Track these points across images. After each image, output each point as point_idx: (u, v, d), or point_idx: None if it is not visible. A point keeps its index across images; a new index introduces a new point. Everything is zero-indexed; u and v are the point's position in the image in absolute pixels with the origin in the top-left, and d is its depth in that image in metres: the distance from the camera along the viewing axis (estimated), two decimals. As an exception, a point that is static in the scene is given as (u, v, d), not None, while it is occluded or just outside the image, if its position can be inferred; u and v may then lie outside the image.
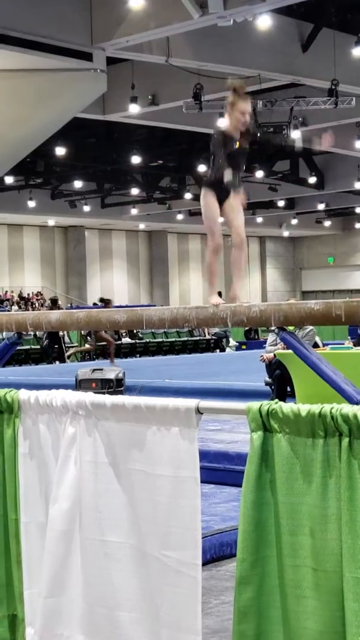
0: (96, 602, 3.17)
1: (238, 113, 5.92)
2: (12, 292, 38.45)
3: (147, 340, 29.15)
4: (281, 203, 40.16)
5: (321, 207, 40.99)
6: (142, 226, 44.25)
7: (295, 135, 23.44)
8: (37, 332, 24.13)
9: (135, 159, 29.10)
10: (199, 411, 2.96)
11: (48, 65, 17.20)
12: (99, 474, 3.17)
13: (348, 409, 2.66)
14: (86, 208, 38.05)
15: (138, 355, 27.96)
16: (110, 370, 13.20)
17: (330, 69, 19.34)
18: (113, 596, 3.13)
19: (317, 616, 2.71)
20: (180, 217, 41.49)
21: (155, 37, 16.98)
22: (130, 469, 3.10)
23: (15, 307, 34.61)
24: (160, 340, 29.50)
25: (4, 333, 14.67)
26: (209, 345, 30.40)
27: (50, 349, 24.84)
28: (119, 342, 26.47)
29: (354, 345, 12.77)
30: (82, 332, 22.54)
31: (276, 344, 10.92)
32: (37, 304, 36.79)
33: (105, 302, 17.30)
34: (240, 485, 2.88)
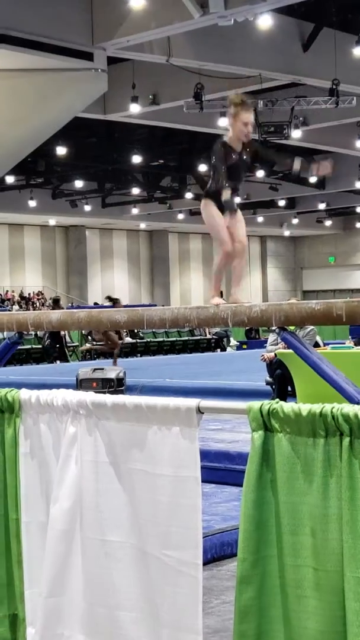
0: (97, 601, 3.17)
1: (241, 124, 5.96)
2: (13, 291, 38.46)
3: (148, 339, 29.16)
4: (282, 202, 40.16)
5: (322, 206, 41.00)
6: (143, 226, 44.25)
7: (296, 135, 23.44)
8: (38, 332, 24.14)
9: (136, 159, 29.10)
10: (199, 411, 2.96)
11: (49, 65, 17.20)
12: (99, 473, 3.17)
13: (349, 408, 2.66)
14: (87, 208, 38.05)
15: (139, 354, 27.96)
16: (111, 369, 13.21)
17: (331, 68, 19.34)
18: (114, 596, 3.13)
19: (318, 616, 2.71)
20: (181, 216, 41.50)
21: (156, 36, 16.98)
22: (131, 469, 3.10)
23: (16, 307, 34.62)
24: (161, 339, 29.51)
25: (5, 333, 14.67)
26: (210, 345, 30.40)
27: (52, 348, 24.85)
28: (120, 341, 26.45)
29: (355, 344, 12.77)
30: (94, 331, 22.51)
31: (277, 344, 10.92)
32: (38, 304, 36.80)
33: (114, 301, 17.20)
34: (241, 485, 2.88)
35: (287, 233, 49.25)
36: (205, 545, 4.06)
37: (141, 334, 28.93)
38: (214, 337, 30.44)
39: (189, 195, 35.47)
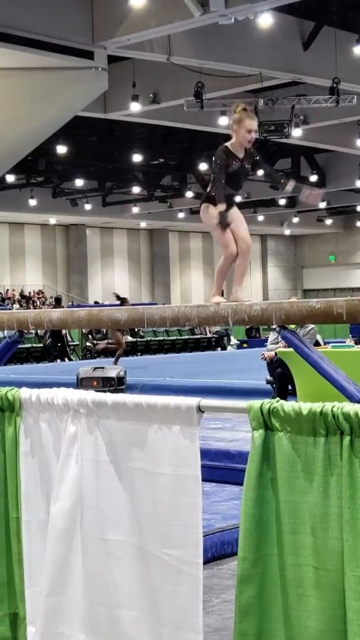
0: (97, 600, 3.17)
1: (244, 131, 6.03)
2: (13, 290, 38.47)
3: (149, 338, 29.17)
4: (282, 201, 40.16)
5: (322, 205, 40.98)
6: (143, 224, 44.25)
7: (296, 133, 23.44)
8: (39, 331, 24.16)
9: (137, 157, 29.10)
10: (200, 409, 2.96)
11: (49, 63, 17.20)
12: (100, 472, 3.17)
13: (349, 407, 2.66)
14: (87, 206, 38.05)
15: (139, 353, 27.96)
16: (112, 368, 13.22)
17: (332, 67, 19.33)
18: (114, 594, 3.13)
19: (318, 615, 2.70)
20: (181, 215, 41.49)
21: (156, 35, 16.98)
22: (131, 468, 3.10)
23: (16, 306, 34.62)
24: (161, 338, 29.52)
25: (6, 331, 14.67)
26: (210, 344, 30.41)
27: (53, 347, 24.87)
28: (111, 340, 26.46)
29: (356, 343, 12.77)
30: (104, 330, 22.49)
31: (277, 343, 10.92)
32: (38, 303, 36.81)
33: (122, 300, 17.18)
34: (241, 484, 2.88)
35: (287, 232, 49.24)
36: (205, 544, 4.06)
37: (142, 333, 28.94)
38: (215, 335, 30.45)
39: (189, 194, 35.47)
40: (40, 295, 38.53)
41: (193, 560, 2.93)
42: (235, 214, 6.25)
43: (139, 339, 28.68)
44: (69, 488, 3.22)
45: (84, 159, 30.83)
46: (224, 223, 6.04)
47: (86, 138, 28.31)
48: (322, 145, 28.98)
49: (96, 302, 37.48)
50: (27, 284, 40.60)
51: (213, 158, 6.18)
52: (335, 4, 18.62)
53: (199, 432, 2.96)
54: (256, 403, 2.84)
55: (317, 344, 10.86)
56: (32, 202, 35.83)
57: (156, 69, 20.21)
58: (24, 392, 3.41)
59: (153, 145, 29.54)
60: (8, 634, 3.47)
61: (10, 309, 29.92)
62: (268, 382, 11.63)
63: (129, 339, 28.08)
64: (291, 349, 6.21)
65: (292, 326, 6.91)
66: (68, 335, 25.88)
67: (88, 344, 26.57)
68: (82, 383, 12.42)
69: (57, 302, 26.15)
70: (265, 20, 17.34)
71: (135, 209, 39.70)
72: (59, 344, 24.96)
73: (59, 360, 24.68)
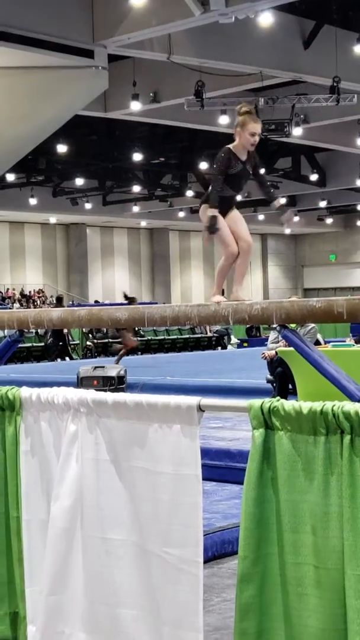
0: (97, 599, 3.17)
1: (248, 134, 6.04)
2: (13, 289, 38.47)
3: (149, 337, 29.17)
4: (283, 200, 40.10)
5: (323, 204, 40.98)
6: (143, 224, 44.25)
7: (297, 132, 23.43)
8: (39, 330, 24.17)
9: (137, 157, 29.09)
10: (200, 409, 2.96)
11: (49, 62, 17.19)
12: (100, 471, 3.17)
13: (350, 406, 2.66)
14: (88, 206, 38.05)
15: (140, 352, 27.97)
16: (112, 367, 13.22)
17: (332, 66, 19.32)
18: (114, 593, 3.13)
19: (319, 614, 2.71)
20: (181, 214, 41.49)
21: (156, 34, 16.97)
22: (131, 467, 3.10)
23: (17, 305, 34.64)
24: (161, 337, 29.52)
25: (6, 330, 14.67)
26: (211, 343, 30.41)
27: (55, 346, 24.87)
28: (120, 339, 26.45)
29: (356, 342, 12.78)
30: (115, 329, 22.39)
31: (278, 342, 10.92)
32: (38, 302, 36.81)
33: (130, 300, 17.15)
34: (241, 483, 2.88)
35: (287, 231, 49.23)
36: (206, 543, 4.06)
37: (142, 332, 28.93)
38: (215, 335, 30.44)
39: (189, 193, 35.46)
40: (40, 295, 38.54)
41: (193, 559, 2.93)
42: (234, 214, 6.27)
43: (139, 338, 28.67)
44: (70, 487, 3.22)
45: (84, 158, 30.83)
46: (212, 229, 6.07)
47: (86, 137, 28.30)
48: (323, 144, 28.97)
49: (96, 301, 37.48)
50: (27, 283, 40.60)
51: (216, 157, 6.19)
52: (335, 2, 18.61)
53: (199, 431, 2.96)
54: (256, 402, 2.84)
55: (317, 343, 10.86)
56: (33, 201, 35.82)
57: (156, 68, 20.20)
58: (25, 391, 3.41)
59: (153, 144, 29.53)
60: (8, 633, 3.47)
61: (10, 308, 29.94)
62: (268, 381, 11.63)
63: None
64: (292, 348, 6.21)
65: (293, 325, 6.92)
66: (69, 335, 25.89)
67: (88, 343, 26.59)
68: (82, 382, 12.42)
69: (59, 302, 26.16)
70: (266, 19, 17.34)
71: (136, 208, 39.69)
72: (60, 343, 24.97)
73: (59, 360, 24.69)
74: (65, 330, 24.34)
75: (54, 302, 31.22)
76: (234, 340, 30.84)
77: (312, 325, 10.37)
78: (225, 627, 4.08)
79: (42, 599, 3.25)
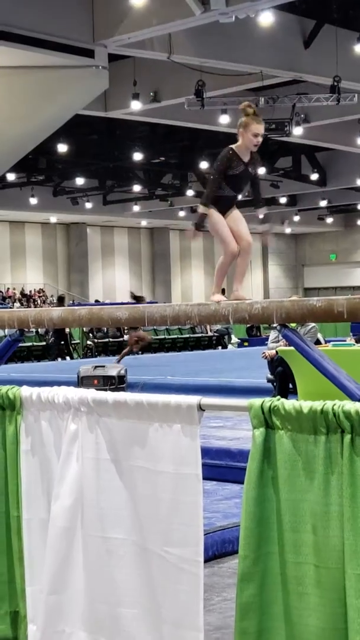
0: (98, 598, 3.17)
1: (251, 135, 6.03)
2: (14, 289, 38.46)
3: (149, 337, 29.15)
4: (283, 200, 40.12)
5: (323, 204, 40.96)
6: (144, 223, 44.24)
7: (297, 132, 23.43)
8: (39, 329, 24.17)
9: (137, 156, 29.09)
10: (200, 408, 2.96)
11: (50, 62, 17.19)
12: (100, 470, 3.17)
13: (350, 405, 2.66)
14: (88, 205, 38.05)
15: (140, 352, 27.95)
16: (112, 367, 13.22)
17: (333, 65, 19.32)
18: (115, 593, 3.13)
19: (319, 613, 2.71)
20: (182, 214, 41.48)
21: (157, 33, 16.96)
22: (132, 466, 3.10)
23: (17, 304, 34.63)
24: (162, 337, 29.51)
25: (6, 330, 14.67)
26: (211, 342, 30.40)
27: (56, 345, 24.88)
28: (121, 339, 26.46)
29: (356, 342, 12.78)
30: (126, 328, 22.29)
31: (278, 341, 10.92)
32: (39, 301, 36.81)
33: (138, 299, 17.07)
34: (242, 482, 2.88)
35: (288, 230, 49.21)
36: (206, 542, 4.06)
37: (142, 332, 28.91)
38: (215, 334, 30.43)
39: (190, 192, 35.46)
40: (41, 294, 38.53)
41: (194, 558, 2.93)
42: (235, 213, 6.27)
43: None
44: (70, 486, 3.22)
45: (85, 158, 30.82)
46: (198, 224, 6.13)
47: (87, 136, 28.30)
48: (323, 144, 28.96)
49: (97, 301, 37.47)
50: (27, 282, 40.59)
51: (217, 157, 6.19)
52: (336, 2, 18.61)
53: (199, 431, 2.96)
54: (257, 401, 2.84)
55: (318, 342, 10.86)
56: (33, 201, 35.82)
57: (157, 68, 20.19)
58: (25, 391, 3.41)
59: (154, 144, 29.53)
60: (9, 633, 3.47)
61: (10, 308, 29.94)
62: (269, 380, 11.63)
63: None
64: (292, 348, 6.21)
65: (293, 325, 6.91)
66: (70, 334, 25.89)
67: (89, 342, 26.58)
68: (82, 382, 12.43)
69: (60, 301, 26.16)
70: (266, 18, 17.33)
71: (136, 208, 39.68)
72: (62, 342, 24.98)
73: (59, 359, 24.68)
74: (67, 330, 24.35)
75: (55, 301, 31.24)
76: (234, 339, 30.82)
77: (313, 324, 10.37)
78: (226, 626, 4.08)
79: (43, 598, 3.25)
